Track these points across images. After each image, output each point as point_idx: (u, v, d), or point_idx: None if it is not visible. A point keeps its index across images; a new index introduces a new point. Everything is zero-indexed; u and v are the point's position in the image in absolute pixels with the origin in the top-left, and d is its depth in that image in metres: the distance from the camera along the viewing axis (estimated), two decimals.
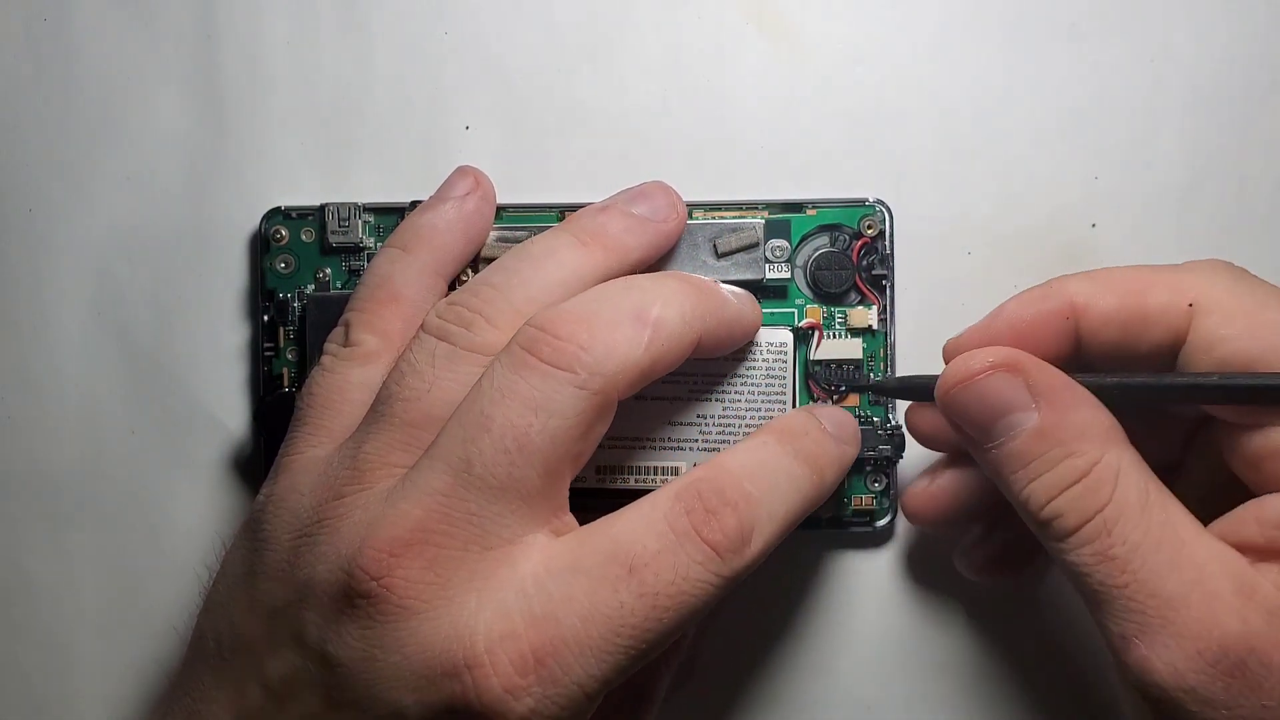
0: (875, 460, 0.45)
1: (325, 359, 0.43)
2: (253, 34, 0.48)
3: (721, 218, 0.45)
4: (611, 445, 0.44)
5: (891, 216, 0.45)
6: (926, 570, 0.47)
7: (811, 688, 0.47)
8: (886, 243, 0.45)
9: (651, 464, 0.44)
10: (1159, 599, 0.36)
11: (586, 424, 0.38)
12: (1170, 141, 0.48)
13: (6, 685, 0.48)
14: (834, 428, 0.41)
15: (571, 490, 0.40)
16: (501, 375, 0.38)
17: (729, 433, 0.44)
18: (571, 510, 0.39)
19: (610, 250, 0.42)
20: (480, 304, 0.40)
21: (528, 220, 0.45)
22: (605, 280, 0.41)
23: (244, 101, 0.48)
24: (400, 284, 0.43)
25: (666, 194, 0.44)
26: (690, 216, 0.45)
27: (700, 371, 0.44)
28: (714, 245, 0.44)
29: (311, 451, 0.41)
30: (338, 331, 0.43)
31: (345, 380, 0.42)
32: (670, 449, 0.44)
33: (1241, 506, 0.38)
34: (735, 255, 0.44)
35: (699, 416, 0.44)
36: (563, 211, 0.45)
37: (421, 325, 0.41)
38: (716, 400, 0.44)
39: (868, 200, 0.45)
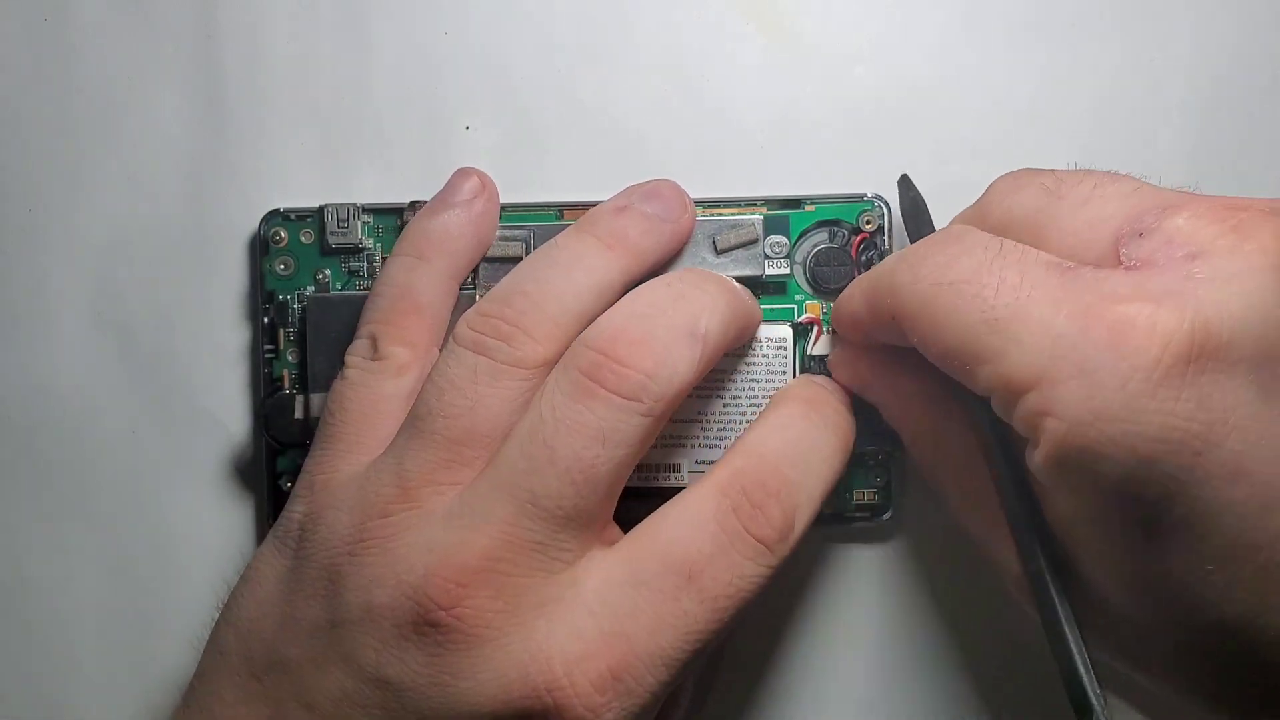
0: (877, 454, 0.45)
1: (352, 373, 0.42)
2: (253, 34, 0.48)
3: (720, 214, 0.45)
4: None
5: (890, 212, 0.45)
6: (929, 565, 0.46)
7: (812, 683, 0.47)
8: (885, 238, 0.45)
9: (653, 461, 0.44)
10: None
11: (645, 446, 0.38)
12: (1170, 141, 0.48)
13: (6, 686, 0.48)
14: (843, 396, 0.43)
15: None
16: (564, 405, 0.38)
17: (730, 428, 0.44)
18: None
19: (632, 254, 0.42)
20: (516, 315, 0.40)
21: (528, 219, 0.45)
22: (628, 284, 0.41)
23: (244, 101, 0.48)
24: (421, 293, 0.43)
25: (677, 193, 0.44)
26: None
27: None
28: (713, 242, 0.44)
29: (348, 469, 0.40)
30: (362, 344, 0.43)
31: (379, 394, 0.41)
32: (671, 446, 0.44)
33: None
34: (734, 252, 0.44)
35: (700, 413, 0.44)
36: (562, 210, 0.45)
37: (453, 337, 0.40)
38: (717, 396, 0.44)
39: (866, 196, 0.45)
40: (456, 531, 0.37)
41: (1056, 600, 0.36)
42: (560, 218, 0.45)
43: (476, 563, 0.37)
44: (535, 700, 0.36)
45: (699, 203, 0.45)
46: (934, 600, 0.46)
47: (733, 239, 0.44)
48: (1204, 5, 0.48)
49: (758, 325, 0.44)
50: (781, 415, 0.41)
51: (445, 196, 0.45)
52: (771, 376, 0.44)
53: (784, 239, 0.45)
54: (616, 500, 0.39)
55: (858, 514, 0.45)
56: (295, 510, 0.41)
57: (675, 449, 0.44)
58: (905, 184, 0.43)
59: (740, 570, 0.37)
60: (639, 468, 0.43)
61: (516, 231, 0.44)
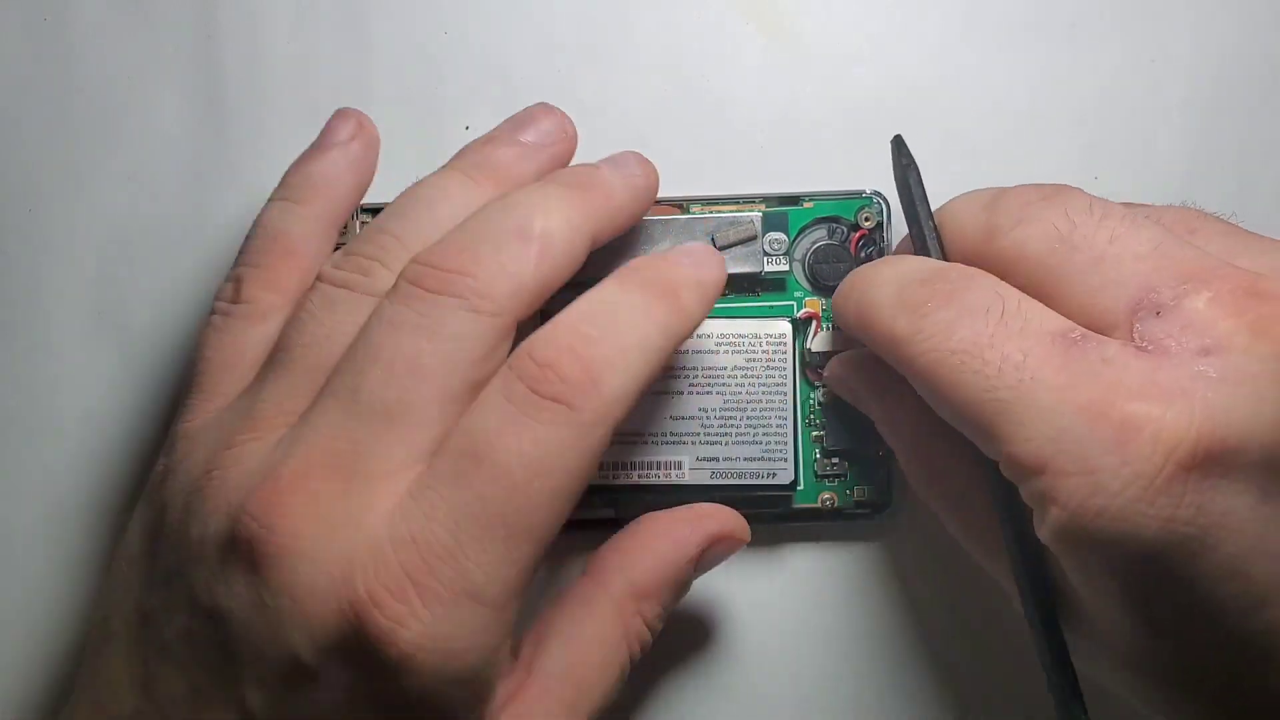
0: (877, 451, 0.45)
1: (216, 318, 0.41)
2: (253, 34, 0.48)
3: (718, 211, 0.45)
4: (613, 441, 0.43)
5: (889, 208, 0.45)
6: (930, 562, 0.46)
7: (813, 680, 0.47)
8: (884, 235, 0.45)
9: (653, 459, 0.44)
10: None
11: (485, 347, 0.37)
12: (1170, 141, 0.48)
13: (7, 687, 0.48)
14: (684, 252, 0.40)
15: None
16: (390, 308, 0.37)
17: (730, 425, 0.44)
18: (577, 508, 0.38)
19: (502, 182, 0.41)
20: (377, 251, 0.39)
21: None
22: None
23: (244, 101, 0.48)
24: (295, 238, 0.42)
25: (552, 115, 0.43)
26: (687, 210, 0.45)
27: (700, 365, 0.44)
28: (712, 239, 0.44)
29: (206, 415, 0.40)
30: (226, 288, 0.42)
31: (242, 339, 0.41)
32: (671, 443, 0.44)
33: None
34: (733, 249, 0.44)
35: (700, 410, 0.44)
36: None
37: (317, 277, 0.40)
38: (717, 393, 0.44)
39: (865, 192, 0.45)
40: (283, 448, 0.37)
41: (1049, 645, 0.37)
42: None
43: (295, 473, 0.36)
44: (342, 616, 0.34)
45: (697, 200, 0.45)
46: (935, 597, 0.46)
47: (731, 236, 0.44)
48: (1204, 5, 0.48)
49: (651, 195, 0.42)
50: (595, 288, 0.39)
51: (323, 139, 0.44)
52: (771, 372, 0.44)
53: (783, 236, 0.44)
54: (456, 410, 0.37)
55: (858, 510, 0.45)
56: (159, 464, 0.40)
57: (675, 446, 0.44)
58: (898, 147, 0.42)
59: (534, 436, 0.35)
60: (637, 465, 0.43)
61: None
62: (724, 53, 0.48)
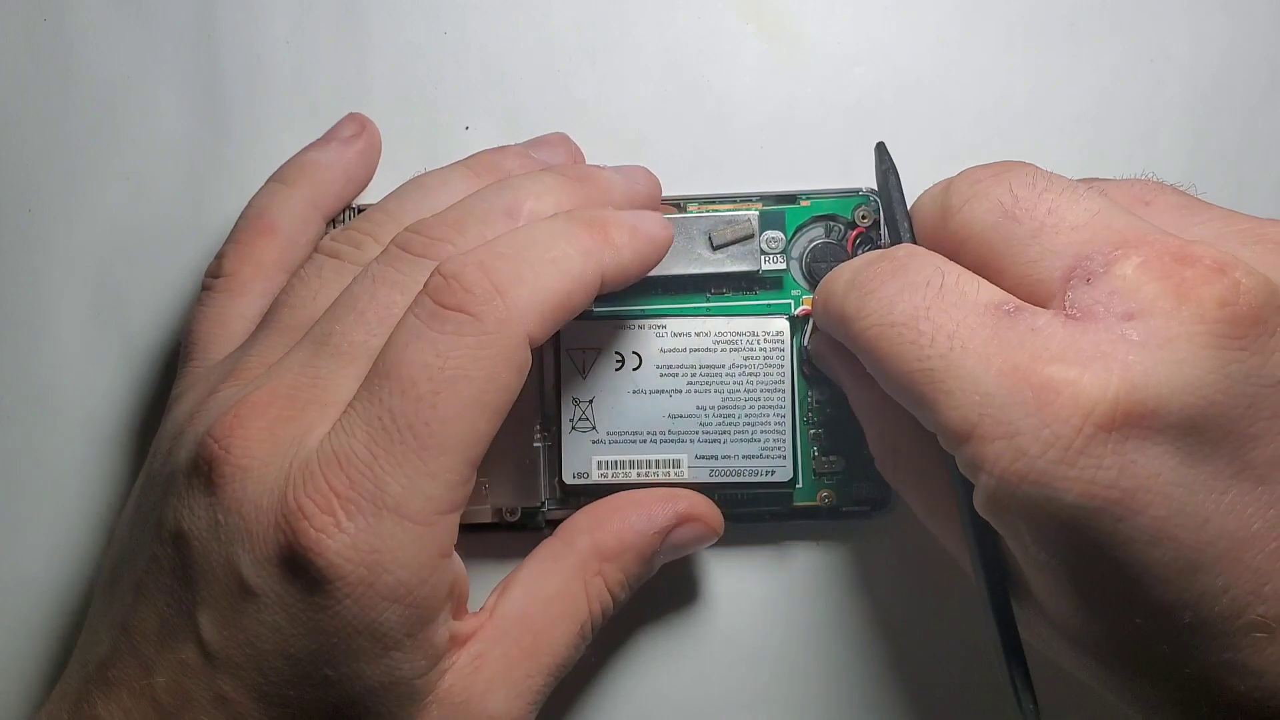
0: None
1: (202, 294, 0.44)
2: (253, 34, 0.48)
3: (716, 210, 0.45)
4: (612, 440, 0.44)
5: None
6: (929, 558, 0.46)
7: (811, 676, 0.46)
8: (881, 233, 0.45)
9: (653, 457, 0.44)
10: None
11: None
12: (1170, 141, 0.48)
13: (8, 689, 0.48)
14: (628, 209, 0.42)
15: (576, 489, 0.43)
16: (374, 267, 0.39)
17: (729, 423, 0.44)
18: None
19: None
20: (370, 226, 0.42)
21: None
22: None
23: (244, 101, 0.48)
24: (276, 216, 0.44)
25: (566, 145, 0.46)
26: (684, 209, 0.45)
27: (699, 364, 0.44)
28: (709, 238, 0.44)
29: (196, 374, 0.42)
30: (212, 264, 0.44)
31: (225, 312, 0.43)
32: (671, 441, 0.44)
33: None
34: (731, 247, 0.44)
35: (699, 408, 0.44)
36: None
37: (315, 248, 0.42)
38: (716, 391, 0.44)
39: (861, 190, 0.45)
40: (255, 381, 0.38)
41: (998, 625, 0.38)
42: None
43: (258, 401, 0.37)
44: (278, 528, 0.35)
45: (694, 199, 0.45)
46: (933, 594, 0.46)
47: (729, 234, 0.44)
48: (1204, 5, 0.48)
49: (654, 199, 0.44)
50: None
51: (327, 135, 0.47)
52: (770, 370, 0.44)
53: (780, 234, 0.44)
54: None
55: (856, 508, 0.45)
56: (158, 436, 0.41)
57: (674, 444, 0.44)
58: (881, 153, 0.43)
59: (438, 346, 0.36)
60: (637, 464, 0.43)
61: None
62: (723, 53, 0.48)
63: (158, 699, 0.37)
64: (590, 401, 0.44)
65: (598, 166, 0.43)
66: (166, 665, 0.37)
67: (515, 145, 0.45)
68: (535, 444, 0.44)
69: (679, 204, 0.45)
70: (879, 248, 0.44)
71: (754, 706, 0.46)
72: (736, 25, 0.48)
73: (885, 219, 0.43)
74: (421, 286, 0.37)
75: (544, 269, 0.37)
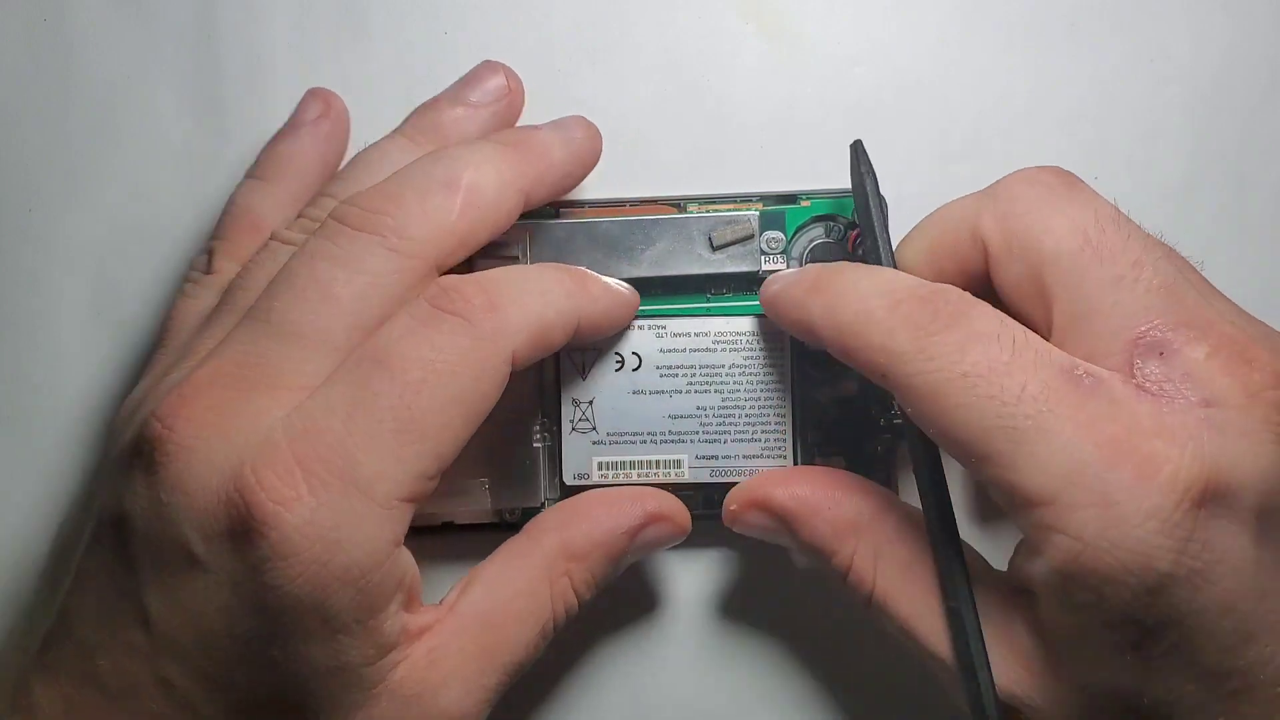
0: (877, 448, 0.45)
1: (187, 286, 0.44)
2: (253, 34, 0.48)
3: (716, 210, 0.45)
4: (613, 441, 0.44)
5: (886, 207, 0.44)
6: None
7: (812, 675, 0.47)
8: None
9: (654, 458, 0.44)
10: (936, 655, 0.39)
11: (398, 285, 0.39)
12: (1170, 141, 0.48)
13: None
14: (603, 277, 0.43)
15: (576, 489, 0.43)
16: (312, 242, 0.39)
17: (729, 423, 0.44)
18: None
19: (445, 142, 0.44)
20: (319, 212, 0.42)
21: (526, 217, 0.45)
22: None
23: (244, 101, 0.48)
24: (260, 213, 0.45)
25: (496, 74, 0.46)
26: (684, 209, 0.45)
27: (698, 364, 0.44)
28: (709, 238, 0.44)
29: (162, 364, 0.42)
30: (200, 259, 0.45)
31: (204, 306, 0.43)
32: (672, 442, 0.44)
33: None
34: (731, 248, 0.44)
35: (699, 408, 0.44)
36: (559, 208, 0.45)
37: (270, 235, 0.43)
38: (715, 391, 0.44)
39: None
40: (201, 361, 0.38)
41: (972, 641, 0.38)
42: (557, 215, 0.45)
43: (201, 380, 0.37)
44: (231, 504, 0.35)
45: (694, 199, 0.45)
46: None
47: (729, 235, 0.44)
48: (1204, 5, 0.48)
49: (587, 166, 0.44)
50: None
51: (292, 119, 0.47)
52: (769, 370, 0.44)
53: (780, 234, 0.44)
54: (362, 338, 0.38)
55: None
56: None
57: (676, 444, 0.44)
58: (858, 153, 0.43)
59: (432, 343, 0.37)
60: (638, 464, 0.43)
61: (515, 231, 0.44)
62: (723, 53, 0.48)
63: (102, 683, 0.37)
64: (590, 402, 0.44)
65: (533, 127, 0.44)
66: (110, 649, 0.37)
67: (448, 91, 0.46)
68: (535, 444, 0.44)
69: (679, 204, 0.45)
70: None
71: (757, 704, 0.47)
72: (736, 25, 0.48)
73: (861, 225, 0.42)
74: (362, 261, 0.38)
75: (534, 298, 0.39)
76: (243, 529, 0.35)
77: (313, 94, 0.47)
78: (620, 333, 0.44)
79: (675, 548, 0.43)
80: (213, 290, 0.43)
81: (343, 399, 0.36)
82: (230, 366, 0.38)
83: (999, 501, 0.36)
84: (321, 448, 0.36)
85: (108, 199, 0.48)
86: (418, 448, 0.36)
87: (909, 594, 0.39)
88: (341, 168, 0.44)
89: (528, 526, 0.42)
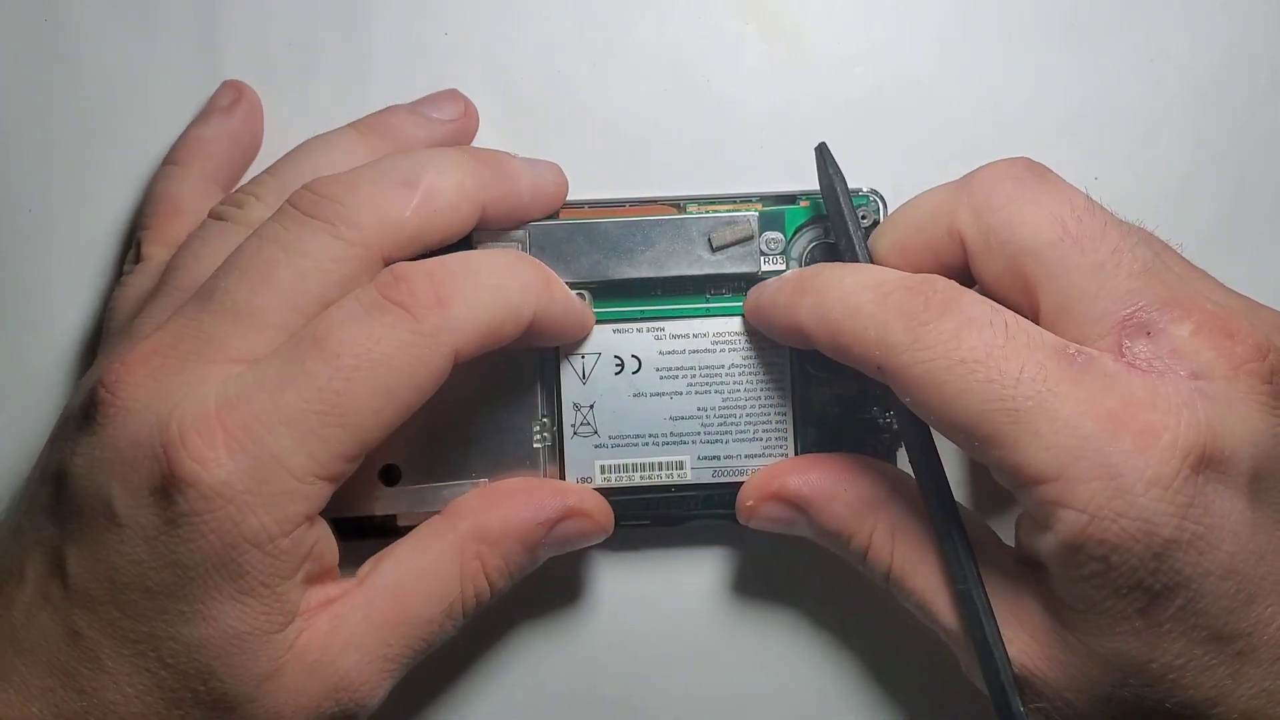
0: (882, 435, 0.45)
1: (122, 278, 0.45)
2: (253, 34, 0.48)
3: (715, 211, 0.45)
4: (615, 444, 0.44)
5: (885, 205, 0.45)
6: None
7: (813, 675, 0.47)
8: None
9: (656, 459, 0.44)
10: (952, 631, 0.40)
11: (343, 272, 0.39)
12: (1170, 141, 0.48)
13: None
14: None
15: None
16: (264, 225, 0.40)
17: (730, 423, 0.44)
18: None
19: (390, 141, 0.45)
20: (254, 187, 0.44)
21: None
22: None
23: None
24: (179, 196, 0.46)
25: (455, 99, 0.47)
26: (683, 210, 0.45)
27: (699, 364, 0.44)
28: (709, 239, 0.44)
29: None
30: (131, 252, 0.46)
31: (140, 292, 0.44)
32: (673, 443, 0.44)
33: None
34: (730, 249, 0.44)
35: (699, 409, 0.44)
36: (559, 209, 0.45)
37: (207, 214, 0.44)
38: (716, 391, 0.44)
39: (861, 190, 0.45)
40: (147, 334, 0.39)
41: (984, 618, 0.38)
42: (556, 216, 0.45)
43: (145, 350, 0.38)
44: (156, 459, 0.36)
45: (693, 199, 0.45)
46: None
47: (728, 235, 0.44)
48: (1204, 5, 0.48)
49: (555, 199, 0.44)
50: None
51: (207, 107, 0.48)
52: (770, 370, 0.44)
53: (779, 235, 0.44)
54: (303, 321, 0.39)
55: None
56: None
57: (677, 445, 0.44)
58: (823, 155, 0.43)
59: (372, 332, 0.37)
60: (640, 466, 0.43)
61: (514, 231, 0.44)
62: (723, 53, 0.48)
63: (14, 634, 0.38)
64: (591, 406, 0.44)
65: (505, 153, 0.44)
66: (25, 600, 0.38)
67: (406, 104, 0.47)
68: (535, 445, 0.44)
69: (678, 204, 0.45)
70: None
71: (758, 704, 0.47)
72: (736, 25, 0.48)
73: (835, 227, 0.43)
74: (305, 245, 0.39)
75: (485, 294, 0.39)
76: (163, 484, 0.36)
77: (226, 85, 0.48)
78: (620, 335, 0.44)
79: (674, 548, 0.44)
80: (147, 275, 0.44)
81: (276, 373, 0.37)
82: (172, 339, 0.38)
83: (1003, 481, 0.37)
84: (247, 416, 0.36)
85: (108, 199, 0.48)
86: (340, 432, 0.37)
87: (924, 570, 0.40)
88: (288, 152, 0.45)
89: (449, 505, 0.42)
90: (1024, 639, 0.38)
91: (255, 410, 0.36)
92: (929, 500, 0.40)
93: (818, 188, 0.44)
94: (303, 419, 0.37)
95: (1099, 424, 0.35)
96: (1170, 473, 0.35)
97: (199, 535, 0.36)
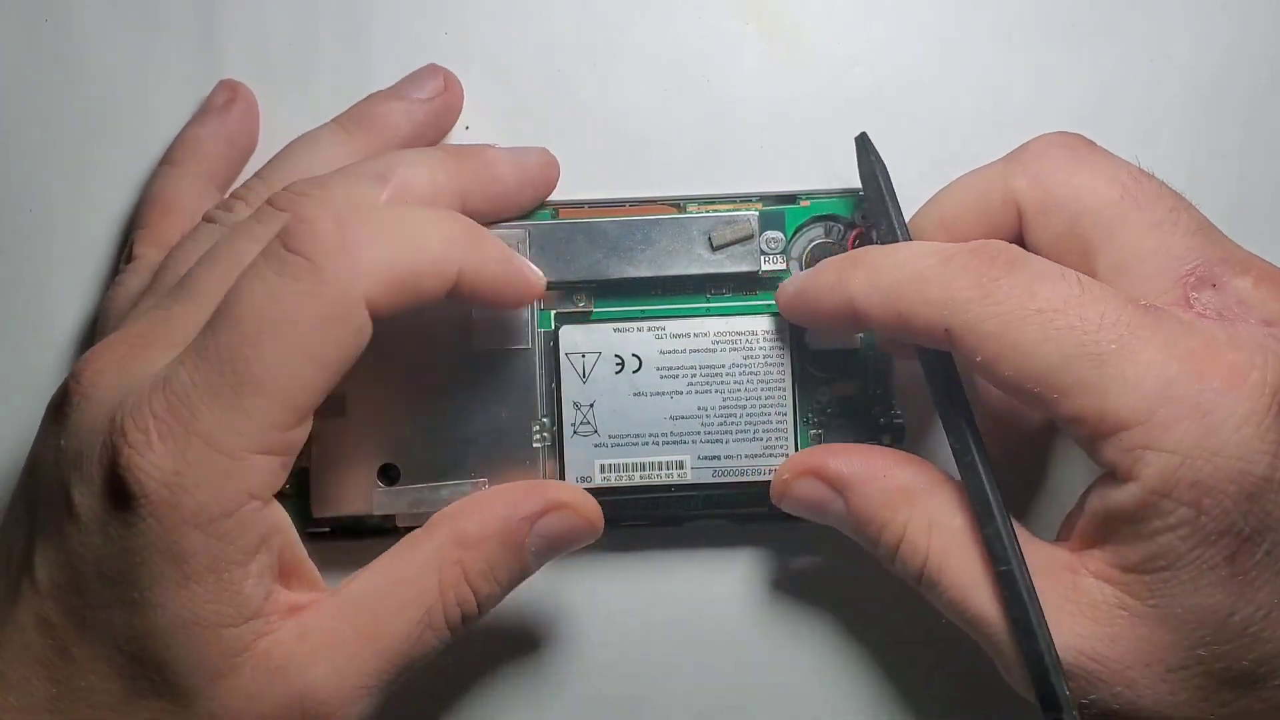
0: (892, 423, 0.45)
1: (117, 277, 0.45)
2: (252, 34, 0.48)
3: (715, 210, 0.45)
4: (614, 443, 0.44)
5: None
6: None
7: (813, 674, 0.47)
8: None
9: (656, 459, 0.44)
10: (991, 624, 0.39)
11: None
12: (1170, 141, 0.48)
13: None
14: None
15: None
16: (242, 223, 0.40)
17: (731, 423, 0.44)
18: None
19: (374, 131, 0.45)
20: (244, 191, 0.44)
21: (525, 218, 0.45)
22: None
23: None
24: (173, 196, 0.46)
25: (435, 74, 0.47)
26: (684, 209, 0.45)
27: (699, 364, 0.44)
28: (709, 238, 0.44)
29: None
30: (126, 251, 0.46)
31: (132, 291, 0.44)
32: (674, 443, 0.44)
33: (1078, 502, 0.39)
34: (730, 248, 0.44)
35: (700, 409, 0.44)
36: (558, 209, 0.45)
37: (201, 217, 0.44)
38: (716, 391, 0.44)
39: (861, 190, 0.45)
40: (121, 327, 0.40)
41: (1027, 598, 0.38)
42: (556, 216, 0.45)
43: (114, 340, 0.39)
44: (105, 449, 0.36)
45: (693, 199, 0.45)
46: None
47: (728, 235, 0.44)
48: (1204, 5, 0.48)
49: (540, 192, 0.45)
50: None
51: (203, 108, 0.48)
52: (770, 369, 0.44)
53: (780, 234, 0.44)
54: None
55: None
56: None
57: (678, 445, 0.44)
58: (864, 144, 0.43)
59: (271, 289, 0.36)
60: (640, 466, 0.43)
61: (514, 231, 0.44)
62: (723, 53, 0.48)
63: None
64: (591, 405, 0.44)
65: (487, 145, 0.44)
66: (3, 591, 0.38)
67: (386, 88, 0.47)
68: (535, 444, 0.44)
69: (678, 204, 0.45)
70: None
71: (760, 703, 0.47)
72: (736, 25, 0.48)
73: (876, 214, 0.42)
74: (272, 231, 0.38)
75: (400, 240, 0.38)
76: (109, 474, 0.36)
77: (222, 84, 0.48)
78: (621, 335, 0.44)
79: (675, 549, 0.43)
80: (139, 275, 0.44)
81: (194, 351, 0.37)
82: (141, 328, 0.39)
83: (1076, 437, 0.37)
84: (171, 398, 0.36)
85: (108, 199, 0.48)
86: (259, 400, 0.36)
87: (963, 564, 0.39)
88: (275, 155, 0.45)
89: (431, 519, 0.41)
90: (1079, 622, 0.37)
91: (176, 392, 0.36)
92: (968, 480, 0.39)
93: (818, 187, 0.44)
94: (219, 394, 0.36)
95: (1184, 365, 0.35)
96: (1261, 410, 0.35)
97: (140, 519, 0.36)
